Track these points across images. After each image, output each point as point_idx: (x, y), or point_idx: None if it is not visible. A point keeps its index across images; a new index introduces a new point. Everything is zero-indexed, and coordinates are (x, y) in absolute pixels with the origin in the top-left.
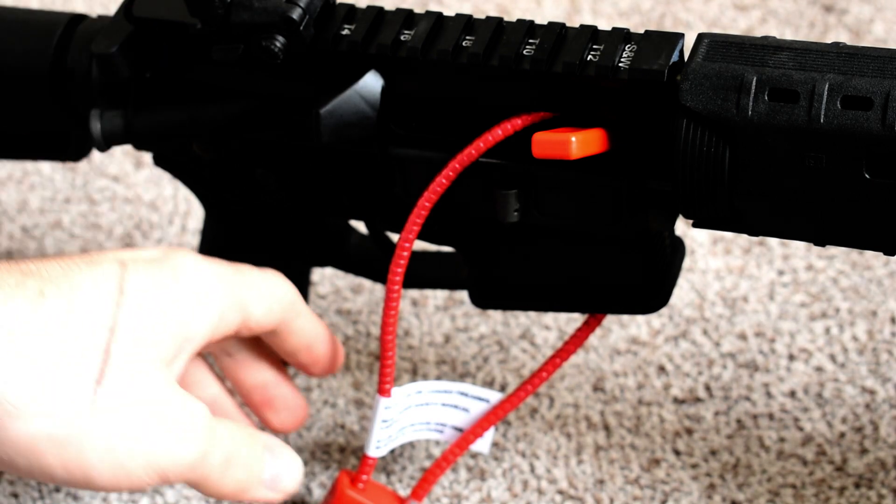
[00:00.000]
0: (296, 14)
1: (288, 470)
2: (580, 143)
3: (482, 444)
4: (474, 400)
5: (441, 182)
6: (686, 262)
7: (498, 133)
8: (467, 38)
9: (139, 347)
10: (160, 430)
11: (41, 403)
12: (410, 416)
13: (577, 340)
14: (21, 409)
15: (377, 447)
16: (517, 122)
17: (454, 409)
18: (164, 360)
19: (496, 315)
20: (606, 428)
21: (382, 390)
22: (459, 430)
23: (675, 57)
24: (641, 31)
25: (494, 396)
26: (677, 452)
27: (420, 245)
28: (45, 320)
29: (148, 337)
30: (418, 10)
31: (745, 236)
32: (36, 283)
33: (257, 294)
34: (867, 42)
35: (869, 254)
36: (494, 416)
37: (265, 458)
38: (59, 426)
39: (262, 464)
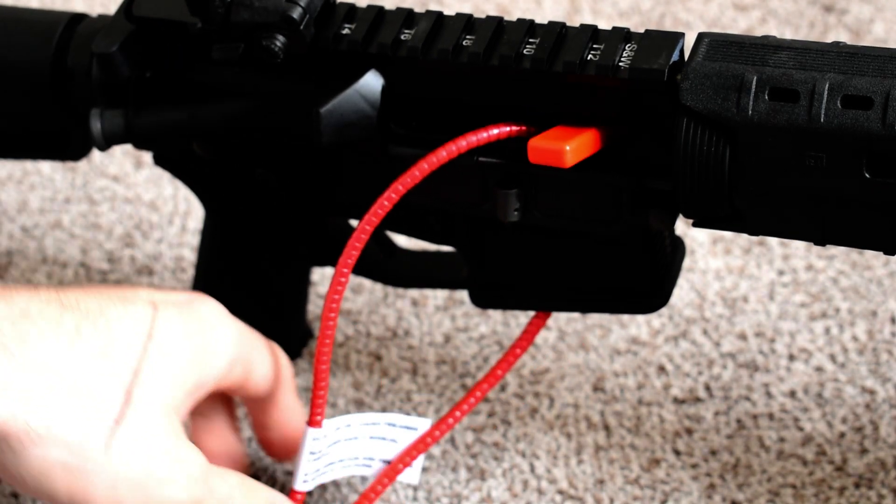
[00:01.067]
0: (296, 13)
1: None
2: (574, 150)
3: (411, 475)
4: (403, 430)
5: (383, 205)
6: (686, 262)
7: (451, 149)
8: (467, 37)
9: (158, 391)
10: (159, 475)
11: (62, 434)
12: (339, 450)
13: (498, 371)
14: (43, 437)
15: (304, 481)
16: (480, 138)
17: (382, 441)
18: (176, 406)
19: (496, 315)
20: (606, 428)
21: (313, 421)
22: (387, 462)
23: (675, 56)
24: (641, 31)
25: (423, 424)
26: (677, 452)
27: (420, 245)
28: (78, 358)
29: (168, 381)
30: (418, 9)
31: (745, 236)
32: (73, 319)
33: (263, 357)
34: (867, 42)
35: (869, 254)
36: (423, 444)
37: None
38: (73, 457)
39: None
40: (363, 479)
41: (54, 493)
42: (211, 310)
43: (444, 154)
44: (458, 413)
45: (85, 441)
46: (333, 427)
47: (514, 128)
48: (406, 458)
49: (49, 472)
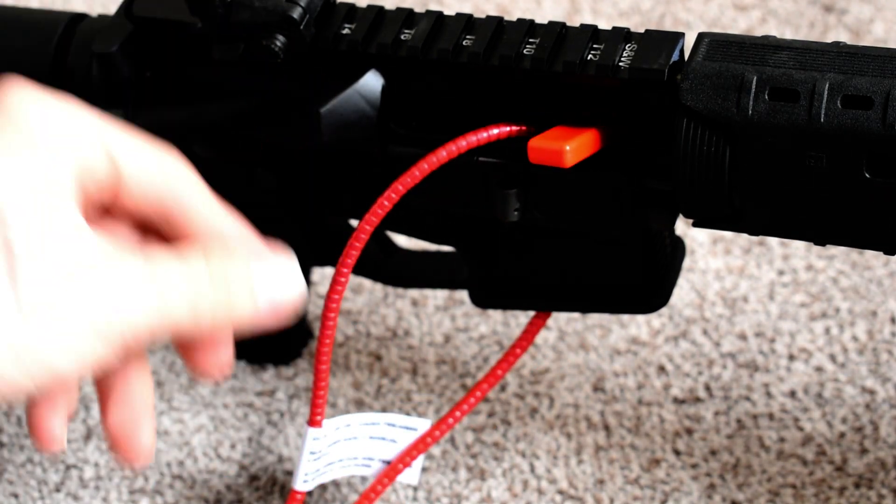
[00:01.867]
0: (296, 13)
1: (279, 278)
2: (574, 151)
3: (410, 475)
4: (402, 430)
5: (383, 205)
6: (686, 262)
7: (441, 156)
8: (467, 37)
9: (35, 225)
10: (97, 297)
11: None
12: (338, 450)
13: (498, 371)
14: None
15: (304, 481)
16: (473, 140)
17: (382, 441)
18: (71, 225)
19: (496, 315)
20: (606, 428)
21: (313, 421)
22: (387, 463)
23: (675, 56)
24: (641, 31)
25: (423, 425)
26: (677, 452)
27: (420, 245)
28: None
29: (37, 205)
30: (418, 9)
31: (745, 236)
32: None
33: (132, 145)
34: (867, 42)
35: (869, 254)
36: (423, 444)
37: (251, 272)
38: (3, 337)
39: (248, 282)
40: (363, 479)
41: (19, 384)
42: (27, 106)
43: (443, 154)
44: (458, 413)
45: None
46: (333, 427)
47: (514, 128)
48: (406, 458)
49: None
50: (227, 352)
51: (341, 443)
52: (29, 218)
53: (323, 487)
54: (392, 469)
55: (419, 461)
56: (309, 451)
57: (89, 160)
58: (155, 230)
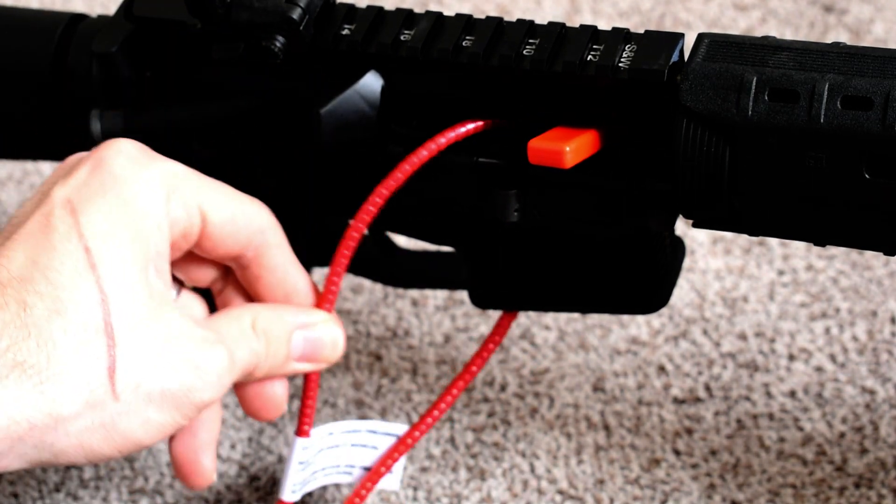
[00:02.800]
0: (296, 14)
1: (325, 338)
2: (574, 151)
3: (392, 481)
4: (383, 436)
5: (368, 210)
6: (686, 262)
7: (423, 154)
8: (467, 37)
9: (130, 307)
10: (177, 376)
11: (70, 404)
12: (323, 459)
13: (473, 368)
14: (56, 418)
15: (293, 491)
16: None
17: (363, 448)
18: (157, 291)
19: (496, 315)
20: (606, 428)
21: (301, 431)
22: (368, 469)
23: (675, 57)
24: (641, 31)
25: (403, 430)
26: (677, 452)
27: (420, 245)
28: (35, 328)
29: (132, 284)
30: (418, 10)
31: (745, 236)
32: (13, 293)
33: (219, 199)
34: (867, 42)
35: (869, 254)
36: (404, 446)
37: (293, 338)
38: (96, 417)
39: (288, 346)
40: (349, 486)
41: (105, 454)
42: (126, 163)
43: (424, 153)
44: (436, 412)
45: (92, 398)
46: (318, 436)
47: (489, 121)
48: (387, 461)
49: (87, 442)
50: (279, 390)
51: (325, 451)
52: (127, 297)
53: (307, 495)
54: (374, 474)
55: (400, 465)
56: (297, 462)
57: (183, 222)
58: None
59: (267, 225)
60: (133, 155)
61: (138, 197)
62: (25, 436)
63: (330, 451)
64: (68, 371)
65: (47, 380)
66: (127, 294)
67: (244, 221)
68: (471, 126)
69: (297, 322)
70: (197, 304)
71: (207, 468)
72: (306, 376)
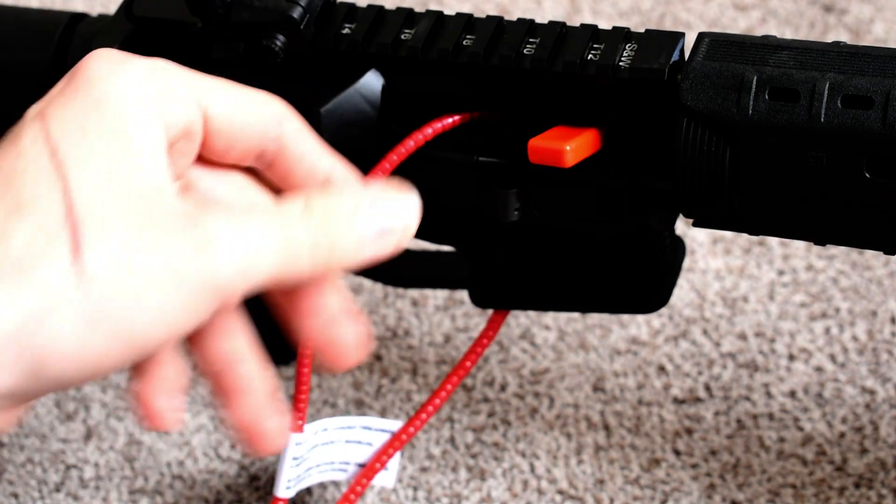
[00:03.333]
0: (296, 13)
1: (386, 205)
2: (574, 150)
3: (387, 477)
4: (378, 433)
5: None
6: (686, 262)
7: (410, 144)
8: (468, 37)
9: (101, 197)
10: (178, 254)
11: (38, 298)
12: (317, 455)
13: (467, 363)
14: (26, 317)
15: (287, 487)
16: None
17: (358, 444)
18: (146, 181)
19: None
20: (606, 428)
21: (294, 425)
22: (362, 466)
23: (675, 56)
24: (641, 31)
25: (397, 426)
26: (677, 452)
27: (420, 245)
28: None
29: (105, 176)
30: (418, 9)
31: (745, 236)
32: None
33: (219, 90)
34: (867, 42)
35: (869, 254)
36: (399, 443)
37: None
38: (76, 308)
39: (355, 223)
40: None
41: (109, 355)
42: (100, 66)
43: (403, 150)
44: (430, 408)
45: (60, 286)
46: (312, 431)
47: (469, 115)
48: (382, 457)
49: (85, 346)
50: (337, 299)
51: (319, 447)
52: (98, 189)
53: (306, 492)
54: (369, 470)
55: (395, 462)
56: (291, 457)
57: (178, 118)
58: (268, 180)
59: (280, 111)
60: (111, 57)
61: (112, 94)
62: (3, 342)
63: (324, 448)
64: (30, 265)
65: (9, 277)
66: (98, 186)
67: (253, 110)
68: (457, 117)
69: (361, 196)
70: (251, 192)
71: (274, 430)
72: (298, 370)
